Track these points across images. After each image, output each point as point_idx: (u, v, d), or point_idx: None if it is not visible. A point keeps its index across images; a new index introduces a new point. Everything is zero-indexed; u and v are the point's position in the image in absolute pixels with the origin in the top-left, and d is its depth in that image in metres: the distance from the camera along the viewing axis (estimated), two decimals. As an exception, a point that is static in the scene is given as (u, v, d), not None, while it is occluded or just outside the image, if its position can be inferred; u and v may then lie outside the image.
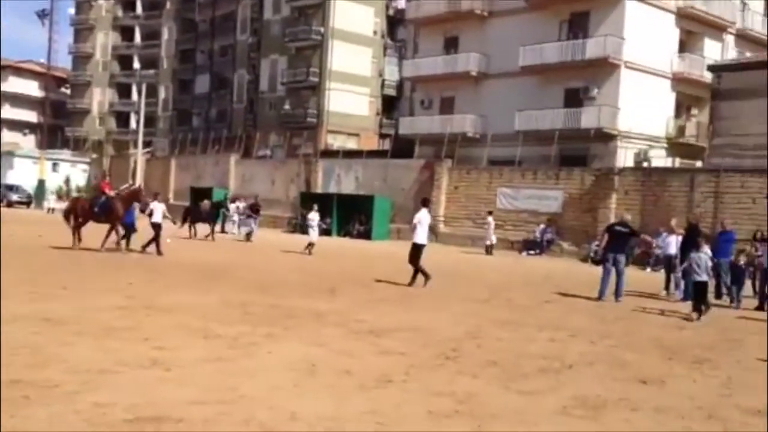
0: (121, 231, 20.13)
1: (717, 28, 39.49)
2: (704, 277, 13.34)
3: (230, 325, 9.66)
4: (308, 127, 55.43)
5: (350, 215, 37.65)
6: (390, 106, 59.73)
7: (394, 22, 58.85)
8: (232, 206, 35.67)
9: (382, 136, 58.26)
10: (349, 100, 55.56)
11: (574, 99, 36.77)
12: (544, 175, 32.81)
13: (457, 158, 36.70)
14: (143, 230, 21.07)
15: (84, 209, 20.30)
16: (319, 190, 42.11)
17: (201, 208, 31.05)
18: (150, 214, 21.09)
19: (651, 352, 9.67)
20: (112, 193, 20.75)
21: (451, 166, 36.26)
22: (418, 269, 15.66)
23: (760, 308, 14.85)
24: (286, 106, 57.55)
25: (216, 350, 8.06)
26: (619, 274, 15.32)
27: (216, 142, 55.55)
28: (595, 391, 7.28)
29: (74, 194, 61.90)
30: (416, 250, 15.68)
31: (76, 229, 20.05)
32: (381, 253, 17.71)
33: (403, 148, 42.98)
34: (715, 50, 39.26)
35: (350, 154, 46.56)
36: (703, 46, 39.02)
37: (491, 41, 39.94)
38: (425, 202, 17.23)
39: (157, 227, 20.55)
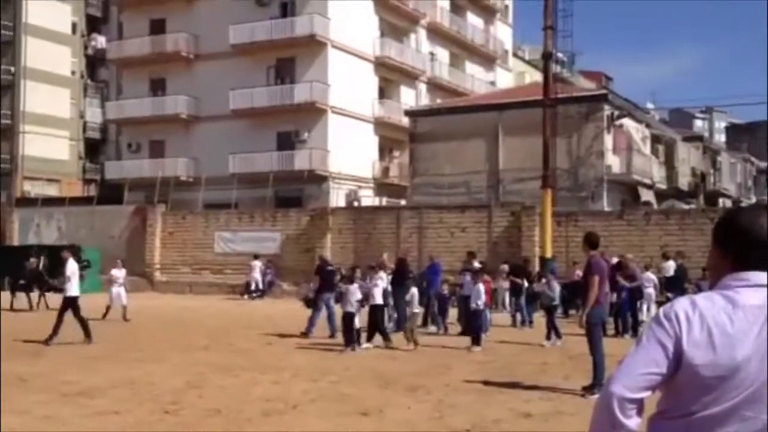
0: None
1: (411, 77, 43.04)
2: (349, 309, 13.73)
3: None
4: (1, 173, 50.44)
5: (54, 268, 34.69)
6: (94, 149, 56.51)
7: (95, 61, 56.03)
8: None
9: (87, 181, 54.86)
10: (48, 144, 51.55)
11: (287, 142, 37.70)
12: (261, 217, 33.03)
13: (171, 203, 35.63)
14: None
15: None
16: (15, 242, 38.30)
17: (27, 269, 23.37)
18: None
19: (369, 384, 10.08)
20: None
21: (164, 211, 35.09)
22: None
23: (464, 333, 16.14)
24: (-26, 152, 51.93)
25: None
26: (330, 312, 15.60)
27: None
28: (320, 428, 7.41)
29: None
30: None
31: None
32: (93, 307, 16.51)
33: (110, 193, 40.76)
34: (410, 96, 42.75)
35: (51, 201, 43.04)
36: (400, 93, 42.29)
37: (200, 84, 39.63)
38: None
39: None
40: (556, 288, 15.38)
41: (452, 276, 19.95)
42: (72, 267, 14.59)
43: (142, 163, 40.94)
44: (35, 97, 51.05)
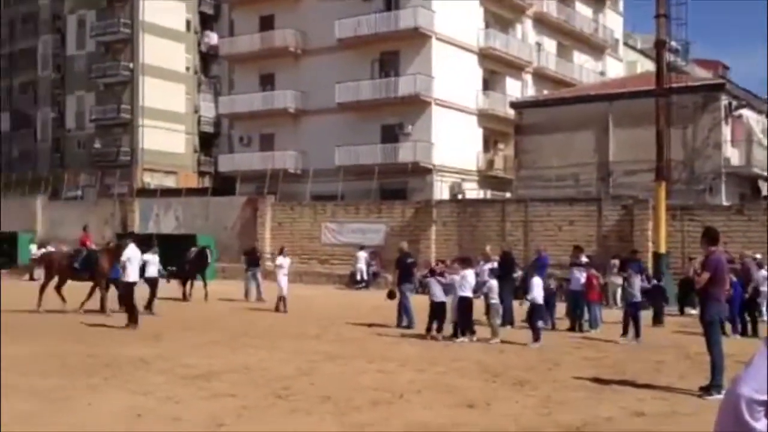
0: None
1: (516, 68, 42.45)
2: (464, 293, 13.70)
3: (46, 378, 9.01)
4: (121, 165, 53.12)
5: (172, 256, 36.28)
6: (208, 143, 58.65)
7: (207, 58, 58.09)
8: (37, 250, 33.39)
9: (201, 173, 57.02)
10: (165, 138, 53.95)
11: (391, 134, 37.98)
12: (367, 209, 33.46)
13: (280, 194, 36.61)
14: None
15: (61, 265, 17.80)
16: (136, 230, 40.28)
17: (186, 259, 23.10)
18: (142, 268, 17.02)
19: (476, 376, 10.07)
20: (94, 247, 18.20)
21: (274, 202, 36.09)
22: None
23: (572, 329, 15.88)
24: (97, 144, 54.88)
25: (31, 405, 7.46)
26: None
27: (19, 184, 51.73)
28: (426, 419, 7.48)
29: None
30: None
31: (44, 288, 17.59)
32: (214, 293, 17.26)
33: (224, 185, 42.24)
34: (516, 88, 42.16)
35: (169, 192, 45.06)
36: (505, 85, 41.78)
37: (307, 78, 40.41)
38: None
39: (152, 283, 17.39)
40: (637, 284, 14.78)
41: (559, 270, 19.63)
42: (130, 253, 15.22)
43: (253, 155, 42.17)
44: (152, 93, 53.43)
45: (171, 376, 9.54)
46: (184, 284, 21.98)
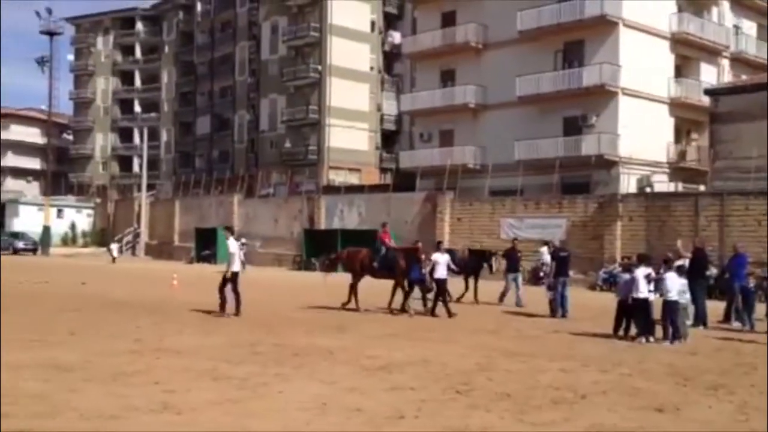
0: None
1: (712, 53, 39.79)
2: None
3: (239, 365, 9.61)
4: (309, 163, 55.68)
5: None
6: (389, 140, 60.03)
7: (390, 57, 59.40)
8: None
9: (383, 170, 58.46)
10: (349, 136, 55.88)
11: (573, 127, 36.91)
12: (547, 204, 32.82)
13: (459, 190, 36.77)
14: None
15: (363, 262, 17.79)
16: (322, 226, 42.13)
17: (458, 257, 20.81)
18: (431, 269, 17.07)
19: (664, 379, 9.57)
20: (392, 244, 18.18)
21: (453, 198, 36.31)
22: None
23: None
24: (287, 144, 57.87)
25: (226, 392, 8.01)
26: (563, 295, 16.99)
27: (219, 183, 55.75)
28: (611, 421, 7.21)
29: (80, 240, 62.14)
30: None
31: (354, 287, 17.67)
32: (388, 287, 17.61)
33: (404, 181, 43.07)
34: (711, 74, 39.53)
35: (352, 189, 46.68)
36: (699, 71, 39.28)
37: (487, 73, 40.24)
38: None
39: (441, 284, 16.95)
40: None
41: (759, 268, 18.21)
42: (233, 246, 15.93)
43: (433, 152, 42.63)
44: (338, 93, 55.50)
45: (355, 366, 9.86)
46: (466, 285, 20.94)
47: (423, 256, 17.25)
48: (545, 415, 7.36)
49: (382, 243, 17.85)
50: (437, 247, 17.98)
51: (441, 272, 16.78)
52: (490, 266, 21.00)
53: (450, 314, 16.34)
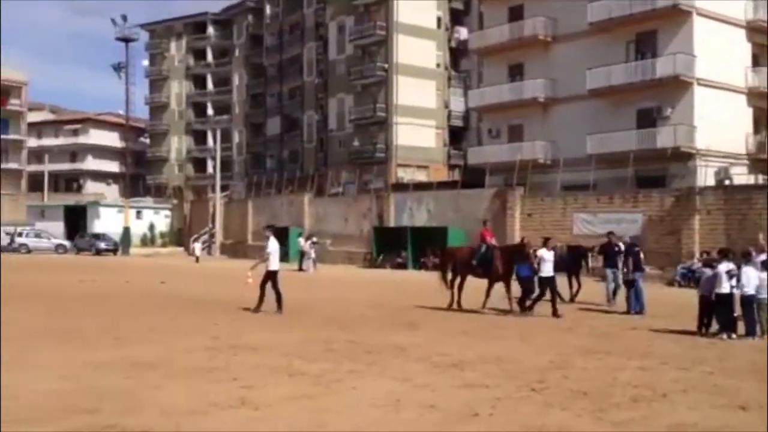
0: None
1: (791, 40, 38.29)
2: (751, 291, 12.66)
3: (313, 362, 9.73)
4: (378, 162, 55.89)
5: (424, 248, 37.63)
6: (457, 136, 59.75)
7: (457, 53, 59.09)
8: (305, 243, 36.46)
9: (451, 167, 58.22)
10: (417, 133, 55.83)
11: (647, 119, 36.02)
12: (621, 198, 32.14)
13: (529, 185, 36.34)
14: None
15: (463, 261, 17.36)
16: (391, 223, 42.25)
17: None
18: (537, 266, 16.38)
19: (748, 377, 9.26)
20: (494, 242, 17.60)
21: (523, 194, 35.91)
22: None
23: None
24: (355, 143, 58.24)
25: (301, 388, 8.12)
26: (637, 289, 16.70)
27: (289, 183, 56.49)
28: (692, 419, 7.03)
29: (158, 240, 64.03)
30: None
31: (452, 284, 17.20)
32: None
33: (473, 178, 42.81)
34: (791, 62, 38.04)
35: (421, 186, 46.66)
36: (778, 59, 37.87)
37: (557, 66, 39.66)
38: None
39: (547, 282, 16.33)
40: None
41: None
42: (273, 245, 15.87)
43: (502, 147, 42.27)
44: (405, 91, 55.51)
45: (427, 364, 9.86)
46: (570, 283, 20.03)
47: (532, 251, 16.59)
48: (624, 414, 7.22)
49: (482, 241, 17.28)
50: (544, 243, 16.90)
51: (548, 270, 16.21)
52: (587, 263, 20.49)
53: (556, 314, 15.66)
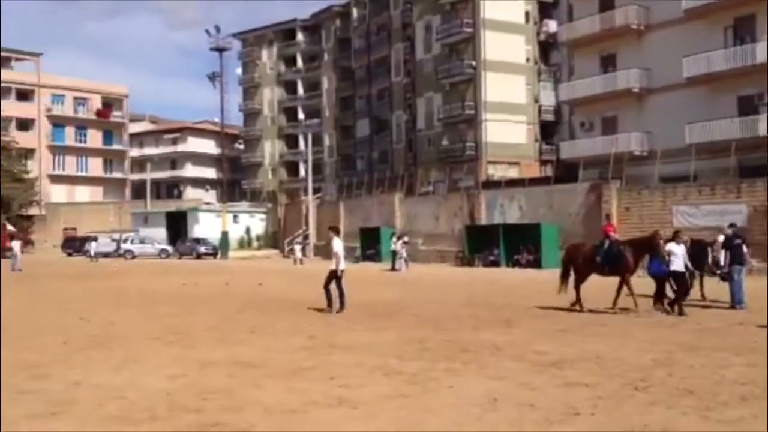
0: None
1: None
2: None
3: (409, 361, 9.77)
4: (467, 159, 55.58)
5: (517, 245, 37.20)
6: (548, 131, 58.76)
7: (546, 46, 58.13)
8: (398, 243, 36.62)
9: (543, 162, 57.33)
10: (507, 130, 55.23)
11: (749, 106, 34.53)
12: (724, 189, 30.88)
13: (626, 178, 35.37)
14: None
15: (585, 258, 16.59)
16: (483, 221, 41.95)
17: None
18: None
19: None
20: (617, 237, 17.01)
21: (619, 187, 34.98)
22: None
23: None
24: (445, 142, 58.10)
25: (398, 387, 8.16)
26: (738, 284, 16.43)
27: (380, 183, 56.90)
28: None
29: (255, 243, 65.70)
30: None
31: (577, 284, 16.44)
32: (555, 282, 17.16)
33: (566, 173, 42.02)
34: None
35: (512, 183, 46.14)
36: None
37: (651, 55, 38.49)
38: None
39: (678, 278, 15.51)
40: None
41: None
42: (338, 245, 16.05)
43: (595, 140, 41.36)
44: (494, 87, 55.00)
45: (524, 362, 9.74)
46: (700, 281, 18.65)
47: (662, 242, 15.56)
48: (732, 412, 6.95)
49: (605, 236, 16.52)
50: (674, 236, 15.87)
51: (678, 264, 15.33)
52: (708, 258, 18.92)
53: (681, 313, 14.83)
